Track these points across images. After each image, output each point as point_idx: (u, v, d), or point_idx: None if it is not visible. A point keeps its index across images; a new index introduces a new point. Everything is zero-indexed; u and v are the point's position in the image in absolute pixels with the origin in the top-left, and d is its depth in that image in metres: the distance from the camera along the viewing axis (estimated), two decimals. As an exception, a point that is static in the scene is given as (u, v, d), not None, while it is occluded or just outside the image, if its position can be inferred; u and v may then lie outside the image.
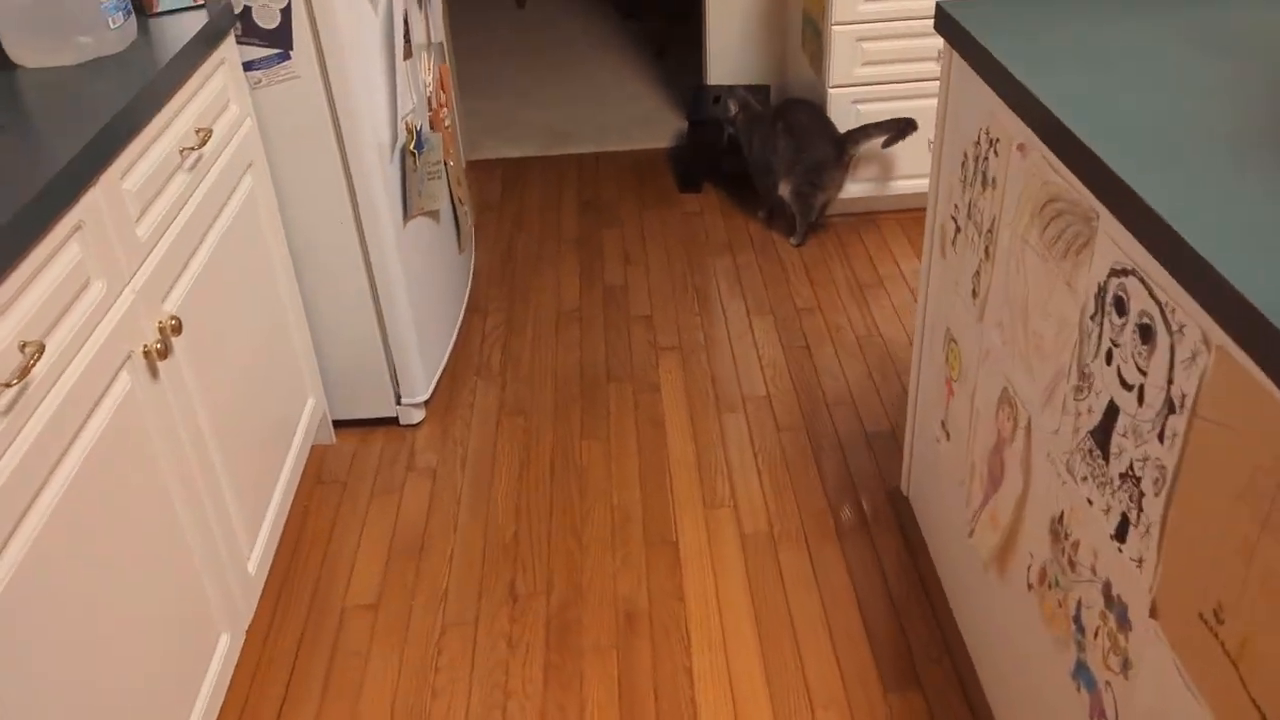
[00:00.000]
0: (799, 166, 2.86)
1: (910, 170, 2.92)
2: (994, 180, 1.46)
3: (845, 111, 2.82)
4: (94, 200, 1.33)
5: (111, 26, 1.56)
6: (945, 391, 1.73)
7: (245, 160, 1.87)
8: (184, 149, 1.60)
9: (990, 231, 1.49)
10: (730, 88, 3.23)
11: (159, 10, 1.76)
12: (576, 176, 3.45)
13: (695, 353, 2.55)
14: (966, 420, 1.62)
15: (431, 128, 2.36)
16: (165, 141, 1.56)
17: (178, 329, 1.48)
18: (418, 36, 2.27)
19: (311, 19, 1.88)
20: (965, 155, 1.58)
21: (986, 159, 1.49)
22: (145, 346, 1.42)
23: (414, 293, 2.25)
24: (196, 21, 1.74)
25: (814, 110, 2.88)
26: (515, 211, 3.26)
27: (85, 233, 1.30)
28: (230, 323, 1.75)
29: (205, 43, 1.71)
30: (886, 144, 2.84)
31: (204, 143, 1.63)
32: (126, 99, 1.43)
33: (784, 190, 2.95)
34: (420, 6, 2.34)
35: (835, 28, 2.71)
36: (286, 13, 1.87)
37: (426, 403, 2.38)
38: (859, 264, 2.87)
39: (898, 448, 2.20)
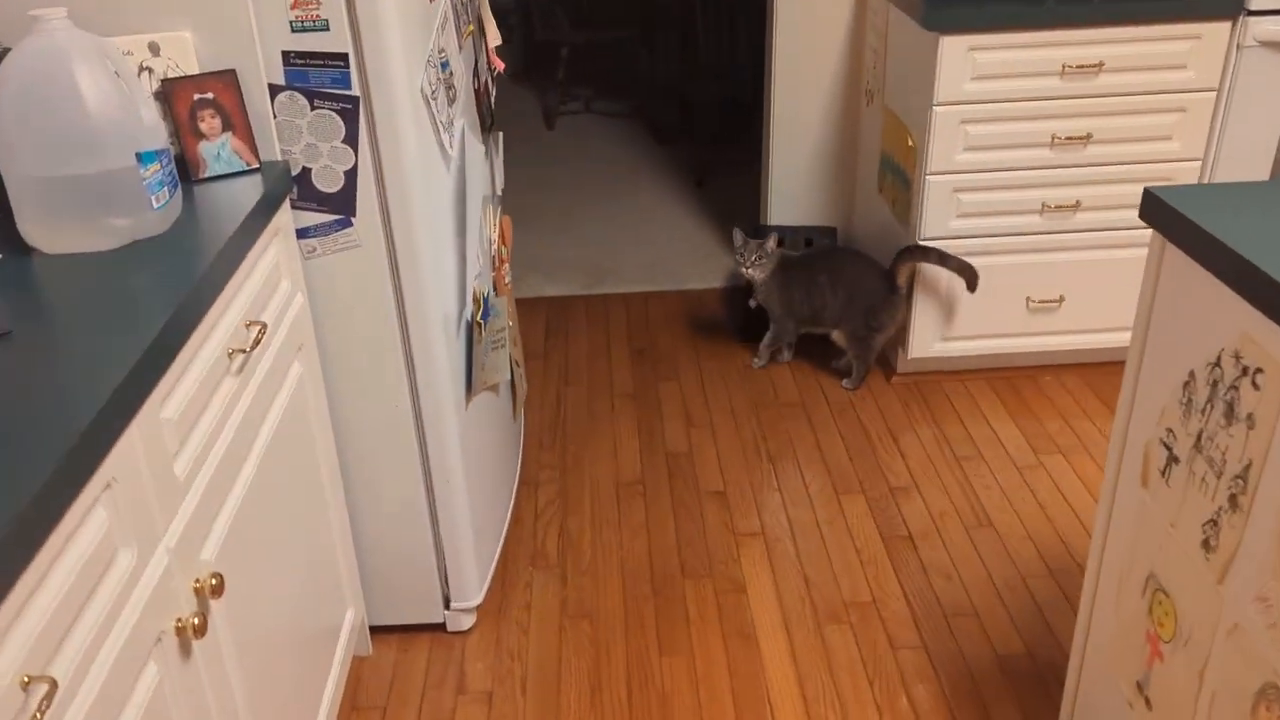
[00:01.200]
0: (852, 309, 2.69)
1: (999, 328, 2.66)
2: (1249, 418, 1.18)
3: (937, 267, 2.57)
4: (129, 446, 1.03)
5: (155, 206, 1.28)
6: (1147, 650, 1.42)
7: (295, 344, 1.58)
8: (232, 350, 1.31)
9: (1241, 479, 1.20)
10: (759, 229, 3.00)
11: (205, 175, 1.49)
12: (625, 319, 3.18)
13: (781, 541, 2.24)
14: (1189, 698, 1.31)
15: (495, 290, 2.08)
16: (213, 345, 1.27)
17: (218, 589, 1.17)
18: (485, 189, 2.01)
19: (379, 180, 1.61)
20: (1191, 376, 1.30)
21: (1235, 389, 1.21)
22: (180, 621, 1.10)
23: (472, 484, 1.94)
24: (250, 188, 1.47)
25: (853, 254, 2.80)
26: (562, 360, 2.97)
27: (115, 492, 1.00)
28: (274, 556, 1.43)
29: (261, 215, 1.44)
30: (946, 266, 2.56)
31: (257, 342, 1.34)
32: (173, 302, 1.14)
33: (839, 337, 2.78)
34: (487, 156, 2.08)
35: (931, 178, 2.48)
36: (351, 174, 1.60)
37: (478, 605, 2.05)
38: (951, 429, 2.59)
39: (1040, 682, 1.88)
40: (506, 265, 2.23)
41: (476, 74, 1.97)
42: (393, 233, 1.65)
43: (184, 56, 1.46)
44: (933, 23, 2.31)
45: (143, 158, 1.27)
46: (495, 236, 2.10)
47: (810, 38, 2.96)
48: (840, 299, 2.71)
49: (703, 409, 2.72)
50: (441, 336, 1.76)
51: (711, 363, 2.93)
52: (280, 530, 1.46)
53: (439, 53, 1.67)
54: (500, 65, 2.25)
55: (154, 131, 1.30)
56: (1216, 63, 2.38)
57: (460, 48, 1.83)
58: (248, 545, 1.32)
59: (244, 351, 1.32)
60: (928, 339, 2.67)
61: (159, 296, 1.16)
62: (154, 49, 1.45)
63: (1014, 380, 2.78)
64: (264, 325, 1.37)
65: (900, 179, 2.65)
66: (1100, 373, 2.79)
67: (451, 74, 1.73)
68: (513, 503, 2.36)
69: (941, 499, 2.35)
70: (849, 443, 2.57)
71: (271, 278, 1.50)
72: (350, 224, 1.64)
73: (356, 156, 1.59)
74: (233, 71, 1.48)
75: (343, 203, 1.62)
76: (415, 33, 1.59)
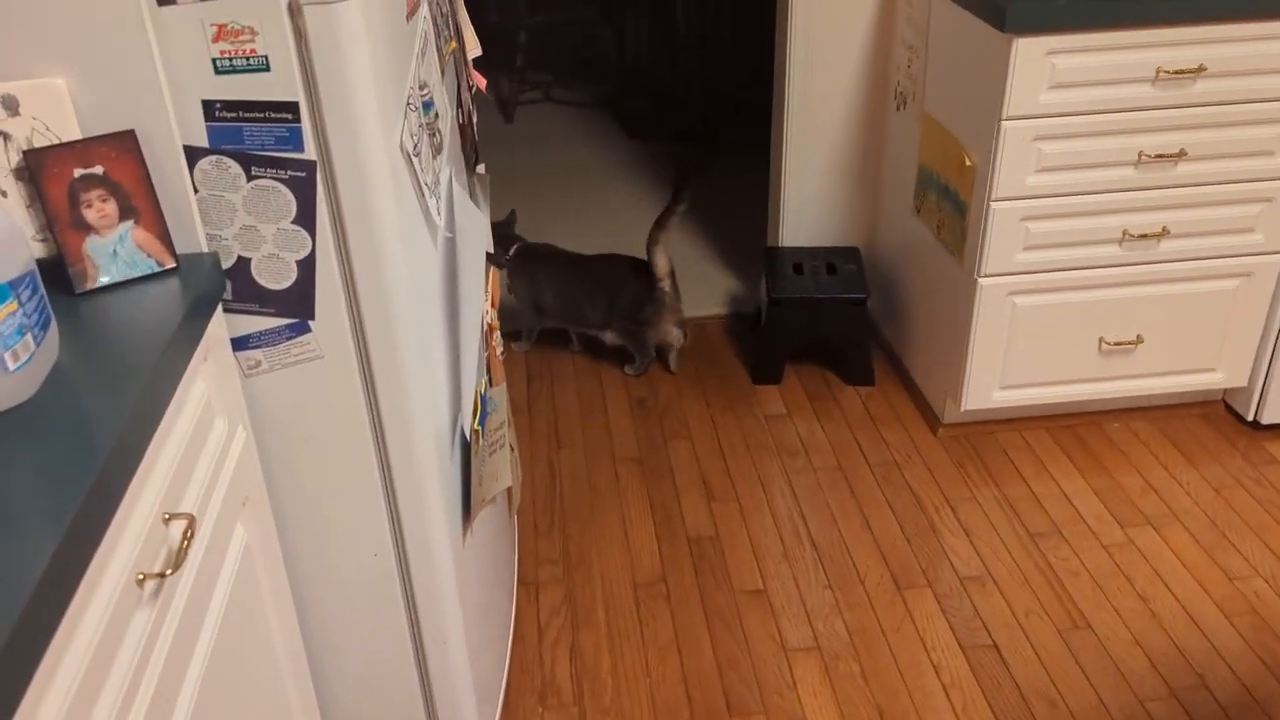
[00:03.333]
0: (615, 312, 2.63)
1: (1067, 373, 2.28)
2: None
3: (998, 307, 2.18)
4: None
5: (10, 368, 0.82)
6: None
7: (238, 500, 1.14)
8: (141, 576, 0.86)
9: None
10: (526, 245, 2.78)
11: (96, 285, 1.03)
12: (618, 359, 2.75)
13: (841, 659, 1.85)
14: None
15: (489, 375, 1.65)
16: (113, 575, 0.83)
17: None
18: (482, 252, 1.57)
19: (346, 271, 1.17)
20: None
21: None
22: None
23: (472, 631, 1.51)
24: (164, 299, 1.02)
25: (606, 257, 2.73)
26: (550, 415, 2.54)
27: None
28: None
29: (182, 340, 0.99)
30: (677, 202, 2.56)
31: (180, 556, 0.90)
32: (44, 543, 0.70)
33: (611, 338, 2.69)
34: (475, 204, 1.64)
35: (996, 205, 2.08)
36: (307, 265, 1.15)
37: (481, 770, 1.63)
38: (1015, 492, 2.21)
39: None
40: (496, 332, 1.80)
41: (459, 103, 1.53)
42: (366, 339, 1.21)
43: (57, 113, 1.00)
44: (1014, 22, 1.90)
45: (-11, 290, 0.82)
46: (489, 305, 1.66)
47: (829, 26, 2.54)
48: (601, 306, 2.64)
49: (723, 476, 2.31)
50: (432, 461, 1.32)
51: (725, 415, 2.52)
52: (226, 788, 1.03)
53: (420, 90, 1.23)
54: (482, 83, 1.80)
55: (7, 243, 0.84)
56: (1330, 64, 2.01)
57: (442, 74, 1.38)
58: None
59: (160, 576, 0.88)
60: (985, 387, 2.29)
61: (15, 539, 0.72)
62: (9, 104, 0.99)
63: (1077, 429, 2.41)
64: (191, 519, 0.93)
65: (951, 203, 2.25)
66: (1173, 418, 2.44)
67: (436, 115, 1.29)
68: (513, 613, 1.94)
69: (1023, 593, 1.98)
70: (901, 516, 2.18)
71: (201, 425, 1.06)
72: (307, 329, 1.19)
73: (314, 241, 1.14)
74: (131, 134, 1.03)
75: (296, 303, 1.17)
76: (389, 66, 1.14)
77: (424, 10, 1.27)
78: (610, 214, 3.58)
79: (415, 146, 1.19)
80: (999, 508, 2.19)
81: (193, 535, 0.94)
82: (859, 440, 2.42)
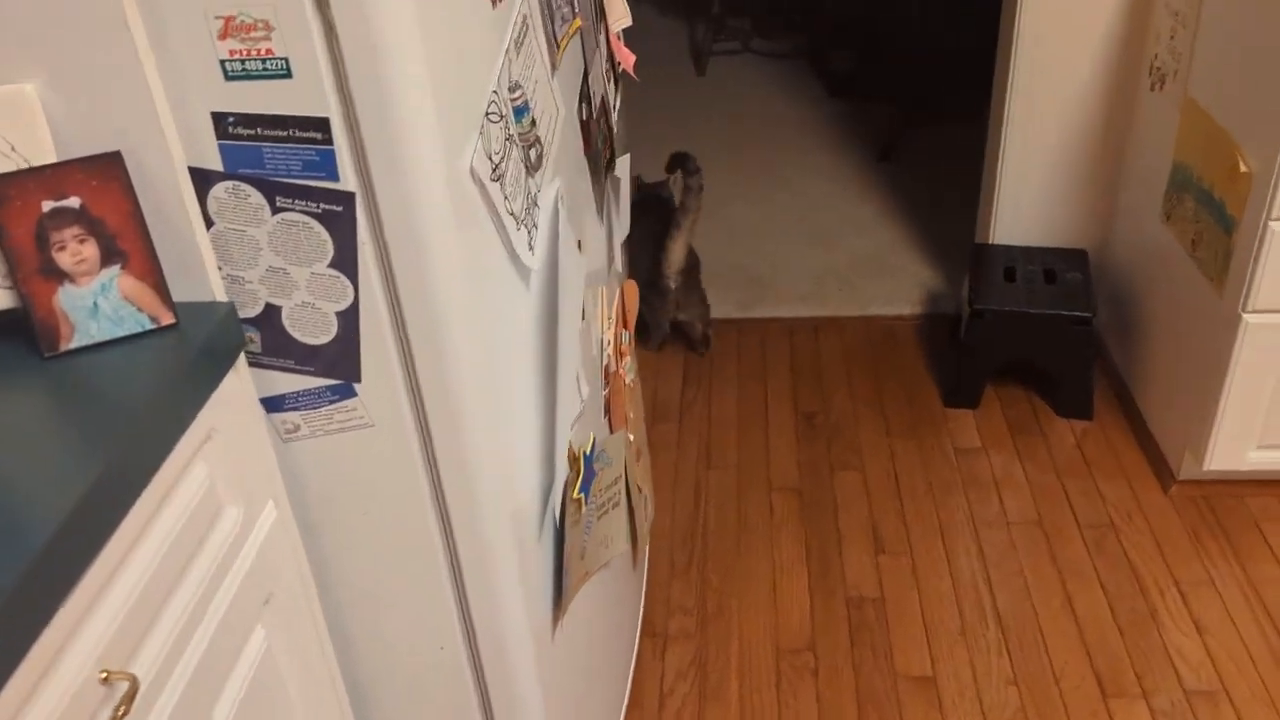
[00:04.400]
0: (639, 270, 2.34)
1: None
2: None
3: (1266, 350, 1.73)
4: None
5: None
6: None
7: (257, 600, 0.93)
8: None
9: None
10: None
11: (73, 347, 0.82)
12: (787, 360, 2.43)
13: (1022, 782, 1.51)
14: None
15: (606, 412, 1.38)
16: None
17: None
18: (597, 277, 1.30)
19: (399, 328, 0.92)
20: None
21: None
22: None
23: (565, 731, 1.27)
24: (159, 363, 0.80)
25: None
26: (702, 427, 2.26)
27: None
28: None
29: (166, 425, 0.77)
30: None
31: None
32: None
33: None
34: (603, 212, 1.36)
35: (1277, 225, 1.63)
36: (349, 318, 0.91)
37: None
38: (1266, 577, 1.78)
39: None
40: (628, 359, 1.53)
41: (585, 97, 1.24)
42: (424, 407, 0.96)
43: (26, 129, 0.79)
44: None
45: None
46: (609, 332, 1.39)
47: (1070, -12, 2.10)
48: (639, 263, 2.36)
49: (896, 521, 1.98)
50: (508, 545, 1.07)
51: (906, 442, 2.17)
52: None
53: (510, 95, 0.95)
54: (629, 60, 1.51)
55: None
56: None
57: (555, 66, 1.10)
58: None
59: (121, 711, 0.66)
60: (1238, 444, 1.84)
61: None
62: (-32, 118, 0.78)
63: (1356, 502, 1.93)
64: (133, 682, 0.72)
65: (1213, 214, 1.79)
66: None
67: (534, 122, 1.01)
68: (632, 668, 1.70)
69: (1270, 724, 1.57)
70: (1115, 597, 1.79)
71: (196, 522, 0.84)
72: (353, 392, 0.95)
73: (357, 291, 0.89)
74: (116, 156, 0.80)
75: (337, 362, 0.94)
76: (457, 66, 0.87)
77: (525, -15, 0.99)
78: (800, 180, 3.22)
79: (496, 168, 0.92)
80: (1244, 598, 1.76)
81: (134, 700, 0.72)
82: (1068, 490, 2.02)
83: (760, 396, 2.33)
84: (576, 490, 1.20)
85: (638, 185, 2.54)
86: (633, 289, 1.58)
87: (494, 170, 0.93)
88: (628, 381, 1.52)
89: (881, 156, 3.37)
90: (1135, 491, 2.00)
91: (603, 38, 1.39)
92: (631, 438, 1.54)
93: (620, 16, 1.49)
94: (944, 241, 2.87)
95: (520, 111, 0.99)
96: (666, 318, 2.45)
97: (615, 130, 1.44)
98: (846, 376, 2.37)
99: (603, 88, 1.35)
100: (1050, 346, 2.16)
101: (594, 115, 1.28)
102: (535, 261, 1.03)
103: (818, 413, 2.27)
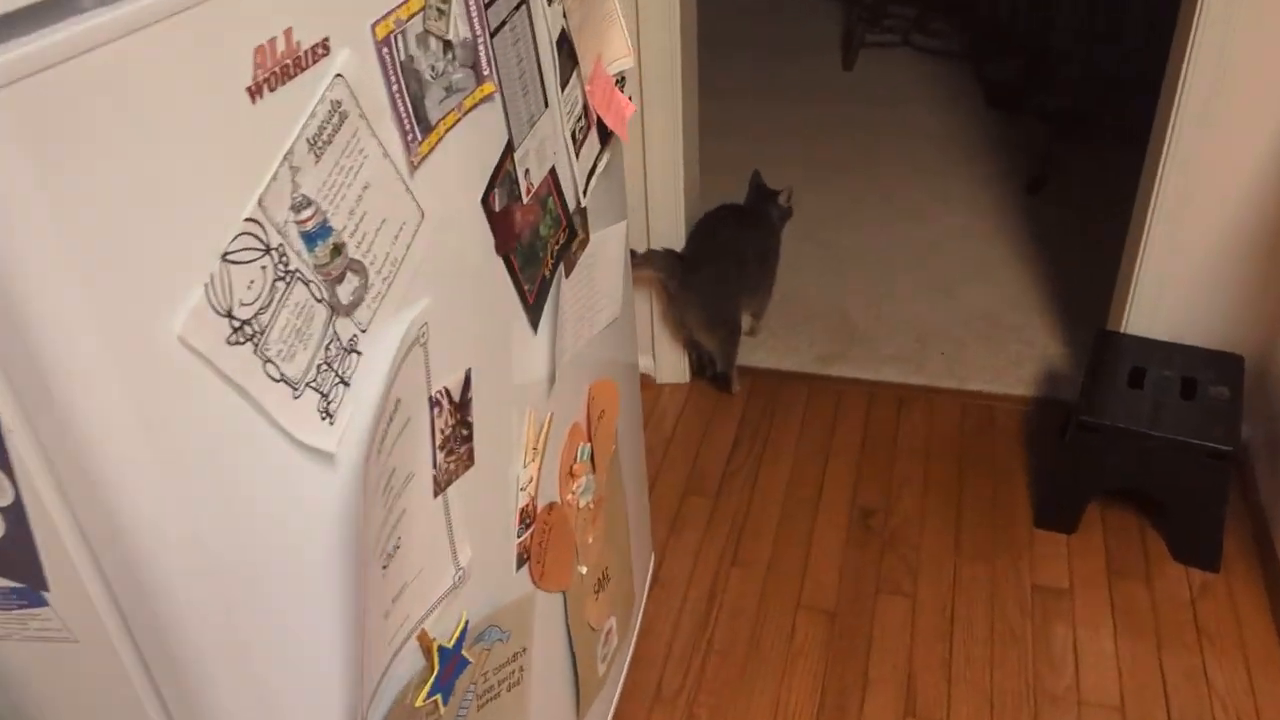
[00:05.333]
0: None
1: None
2: None
3: None
4: None
5: None
6: None
7: None
8: None
9: None
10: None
11: None
12: (859, 436, 2.09)
13: None
14: None
15: (524, 562, 1.10)
16: None
17: None
18: (526, 380, 1.01)
19: (83, 533, 0.66)
20: None
21: None
22: None
23: None
24: None
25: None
26: (740, 505, 1.95)
27: None
28: None
29: None
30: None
31: None
32: None
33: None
34: (536, 324, 1.07)
35: None
36: (16, 514, 0.66)
37: None
38: None
39: None
40: (582, 479, 1.23)
41: (507, 180, 0.94)
42: (132, 631, 0.71)
43: None
44: None
45: None
46: (532, 466, 1.09)
47: (1264, 12, 1.64)
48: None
49: (938, 678, 1.62)
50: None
51: (976, 567, 1.80)
52: None
53: (295, 217, 0.67)
54: (625, 112, 1.20)
55: None
56: None
57: (419, 159, 0.80)
58: None
59: None
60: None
61: None
62: None
63: None
64: None
65: None
66: None
67: (337, 249, 0.73)
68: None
69: None
70: (1194, 833, 1.40)
71: None
72: (43, 601, 0.71)
73: (15, 486, 0.64)
74: None
75: (16, 563, 0.69)
76: (157, 190, 0.60)
77: (341, 58, 0.70)
78: (930, 207, 2.82)
79: (244, 325, 0.65)
80: None
81: None
82: (1165, 669, 1.61)
83: (815, 479, 2.00)
84: (424, 696, 0.92)
85: (754, 184, 2.26)
86: (604, 389, 1.28)
87: (238, 330, 0.65)
88: (581, 506, 1.24)
89: (1030, 188, 2.92)
90: (1254, 681, 1.58)
91: (575, 91, 1.09)
92: (584, 571, 1.26)
93: (618, 55, 1.18)
94: (1082, 303, 2.42)
95: (314, 237, 0.71)
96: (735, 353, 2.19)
97: (582, 206, 1.14)
98: (923, 468, 2.01)
99: (557, 156, 1.05)
100: (1173, 480, 1.74)
101: (524, 197, 0.99)
102: (332, 437, 0.76)
103: (878, 511, 1.92)
